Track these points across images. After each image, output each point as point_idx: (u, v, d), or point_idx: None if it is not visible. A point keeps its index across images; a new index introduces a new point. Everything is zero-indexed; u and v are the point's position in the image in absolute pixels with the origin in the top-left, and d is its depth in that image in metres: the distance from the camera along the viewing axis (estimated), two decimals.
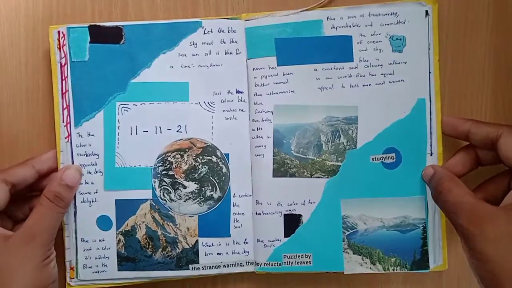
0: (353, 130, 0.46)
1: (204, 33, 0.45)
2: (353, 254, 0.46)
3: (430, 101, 0.45)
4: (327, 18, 0.45)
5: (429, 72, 0.45)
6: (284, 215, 0.46)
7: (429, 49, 0.45)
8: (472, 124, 0.43)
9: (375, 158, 0.46)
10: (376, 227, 0.46)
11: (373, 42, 0.45)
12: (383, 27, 0.45)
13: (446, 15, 0.46)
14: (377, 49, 0.45)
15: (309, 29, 0.45)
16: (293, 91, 0.46)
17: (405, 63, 0.45)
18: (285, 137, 0.46)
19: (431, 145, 0.45)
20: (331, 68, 0.46)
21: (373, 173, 0.46)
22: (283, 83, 0.46)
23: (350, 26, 0.45)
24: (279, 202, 0.46)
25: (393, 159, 0.46)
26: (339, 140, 0.46)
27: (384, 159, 0.46)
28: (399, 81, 0.45)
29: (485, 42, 0.47)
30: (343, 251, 0.46)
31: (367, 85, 0.46)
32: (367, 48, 0.45)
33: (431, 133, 0.45)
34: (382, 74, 0.45)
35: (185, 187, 0.46)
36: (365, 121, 0.46)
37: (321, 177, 0.46)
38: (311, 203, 0.46)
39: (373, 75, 0.45)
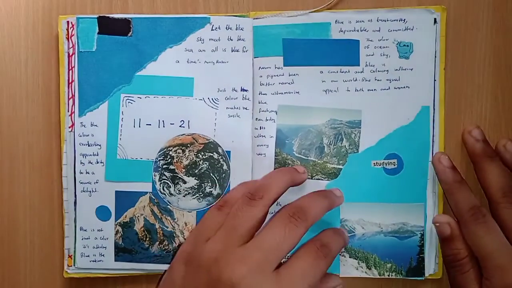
0: (356, 134, 0.46)
1: (212, 29, 0.45)
2: (349, 257, 0.46)
3: (434, 108, 0.45)
4: (336, 21, 0.45)
5: (434, 80, 0.45)
6: None
7: (435, 56, 0.45)
8: None
9: (376, 163, 0.46)
10: (374, 232, 0.46)
11: (380, 47, 0.45)
12: (391, 33, 0.45)
13: (446, 16, 0.45)
14: (383, 55, 0.45)
15: (317, 31, 0.45)
16: (298, 92, 0.46)
17: (411, 69, 0.45)
18: (287, 138, 0.46)
19: (432, 152, 0.45)
20: (337, 71, 0.45)
21: (374, 178, 0.46)
22: (289, 83, 0.46)
23: (358, 31, 0.45)
24: (278, 202, 0.45)
25: (394, 165, 0.45)
26: (342, 143, 0.46)
27: (386, 164, 0.45)
28: (404, 87, 0.45)
29: (485, 42, 0.46)
30: (340, 254, 0.46)
31: (372, 90, 0.45)
32: (373, 53, 0.45)
33: (433, 141, 0.45)
34: (387, 80, 0.45)
35: (185, 182, 0.46)
36: (368, 125, 0.45)
37: (322, 179, 0.46)
38: None
39: (378, 80, 0.45)
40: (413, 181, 0.45)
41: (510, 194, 0.41)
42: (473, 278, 0.41)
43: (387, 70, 0.45)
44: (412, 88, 0.45)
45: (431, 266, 0.46)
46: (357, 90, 0.45)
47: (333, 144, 0.46)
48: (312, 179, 0.46)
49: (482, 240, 0.41)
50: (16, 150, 0.48)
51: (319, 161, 0.46)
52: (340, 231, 0.42)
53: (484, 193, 0.43)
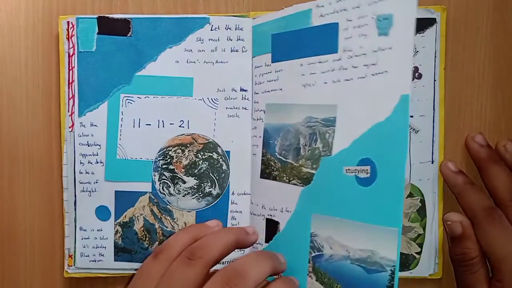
0: (330, 134, 0.39)
1: (211, 30, 0.45)
2: (316, 281, 0.39)
3: (434, 109, 0.44)
4: (316, 6, 0.40)
5: (434, 80, 0.44)
6: (266, 219, 0.44)
7: (435, 56, 0.44)
8: None
9: (349, 170, 0.37)
10: (341, 256, 0.38)
11: (359, 26, 0.37)
12: (371, 7, 0.37)
13: (446, 16, 0.44)
14: (362, 35, 0.37)
15: (299, 20, 0.41)
16: (281, 89, 0.43)
17: (390, 48, 0.36)
18: (271, 138, 0.44)
19: (432, 153, 0.44)
20: (315, 62, 0.40)
21: (345, 188, 0.37)
22: (274, 80, 0.44)
23: (337, 12, 0.39)
24: (264, 205, 0.44)
25: (367, 173, 0.36)
26: (316, 145, 0.40)
27: (358, 172, 0.37)
28: (382, 72, 0.36)
29: (485, 42, 0.46)
30: (308, 274, 0.40)
31: (348, 80, 0.38)
32: (352, 34, 0.38)
33: (433, 141, 0.44)
34: (365, 65, 0.37)
35: (184, 182, 0.46)
36: (344, 123, 0.38)
37: (297, 185, 0.41)
38: (287, 211, 0.42)
39: (355, 67, 0.38)
40: (386, 195, 0.35)
41: None
42: (482, 278, 0.41)
43: (365, 54, 0.37)
44: (391, 73, 0.35)
45: (431, 266, 0.45)
46: (334, 82, 0.39)
47: (308, 145, 0.41)
48: (289, 183, 0.42)
49: (497, 241, 0.40)
50: (16, 150, 0.48)
51: (295, 164, 0.42)
52: (292, 282, 0.38)
53: (491, 197, 0.42)
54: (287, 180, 0.42)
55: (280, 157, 0.43)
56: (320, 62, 0.40)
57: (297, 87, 0.42)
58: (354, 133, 0.38)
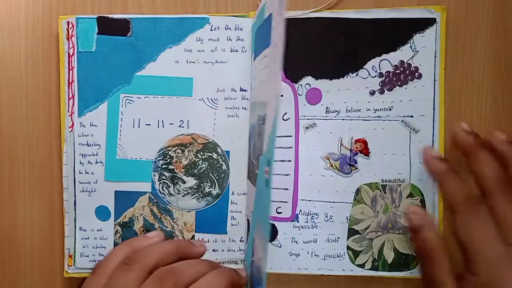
0: (262, 132, 0.38)
1: (211, 30, 0.45)
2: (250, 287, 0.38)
3: (434, 109, 0.44)
4: None
5: (434, 80, 0.44)
6: (247, 219, 0.45)
7: (435, 56, 0.44)
8: None
9: (263, 170, 0.35)
10: (257, 266, 0.35)
11: (277, 14, 0.34)
12: None
13: (446, 16, 0.44)
14: (277, 23, 0.34)
15: (262, 14, 0.40)
16: (255, 87, 0.43)
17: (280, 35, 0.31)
18: (251, 138, 0.44)
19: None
20: (263, 57, 0.39)
21: (261, 190, 0.35)
22: (254, 79, 0.44)
23: (273, 2, 0.35)
24: (248, 205, 0.45)
25: (267, 174, 0.33)
26: (258, 144, 0.39)
27: (266, 173, 0.34)
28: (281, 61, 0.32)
29: (485, 42, 0.45)
30: (249, 280, 0.39)
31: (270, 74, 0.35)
32: (274, 25, 0.35)
33: (433, 141, 0.44)
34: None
35: (184, 182, 0.46)
36: (267, 120, 0.36)
37: (254, 186, 0.40)
38: (251, 212, 0.42)
39: (273, 59, 0.34)
40: (265, 199, 0.33)
41: (507, 184, 0.38)
42: (444, 271, 0.39)
43: (276, 43, 0.33)
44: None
45: None
46: (268, 77, 0.37)
47: (257, 144, 0.40)
48: (252, 184, 0.42)
49: (476, 231, 0.38)
50: (16, 150, 0.48)
51: (255, 164, 0.41)
52: (226, 274, 0.37)
53: (479, 184, 0.40)
54: (252, 181, 0.42)
55: (252, 157, 0.43)
56: (265, 57, 0.39)
57: (259, 84, 0.41)
58: (269, 130, 0.35)
